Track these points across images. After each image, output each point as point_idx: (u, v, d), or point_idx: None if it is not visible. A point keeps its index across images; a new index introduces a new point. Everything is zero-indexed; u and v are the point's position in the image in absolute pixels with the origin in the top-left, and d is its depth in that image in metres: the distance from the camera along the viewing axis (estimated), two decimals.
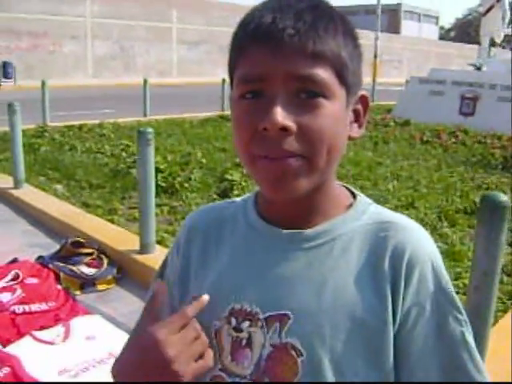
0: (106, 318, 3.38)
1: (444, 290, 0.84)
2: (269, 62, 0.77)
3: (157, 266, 3.78)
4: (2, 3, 25.16)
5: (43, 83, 11.19)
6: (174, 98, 18.98)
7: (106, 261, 4.09)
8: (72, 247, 4.13)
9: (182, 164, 6.96)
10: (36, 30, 26.52)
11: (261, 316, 0.86)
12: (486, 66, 14.01)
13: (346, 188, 0.96)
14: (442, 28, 72.14)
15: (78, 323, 3.19)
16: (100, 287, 3.91)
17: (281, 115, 0.76)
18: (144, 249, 4.16)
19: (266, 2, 0.83)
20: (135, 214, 5.17)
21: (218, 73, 28.56)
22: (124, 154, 7.64)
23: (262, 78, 0.78)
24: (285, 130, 0.76)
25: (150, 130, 4.03)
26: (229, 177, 6.16)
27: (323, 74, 0.78)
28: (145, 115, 12.94)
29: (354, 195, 0.94)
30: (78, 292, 3.80)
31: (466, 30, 67.06)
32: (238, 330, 0.87)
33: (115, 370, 0.84)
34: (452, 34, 71.88)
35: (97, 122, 11.09)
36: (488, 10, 15.50)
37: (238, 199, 1.01)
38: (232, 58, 0.85)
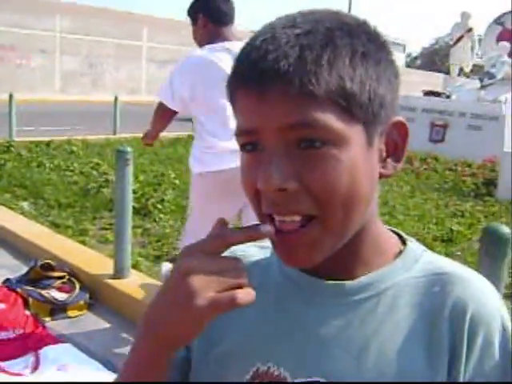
0: (78, 346, 3.19)
1: None
2: (257, 113, 0.66)
3: (132, 291, 3.61)
4: None
5: (10, 96, 10.90)
6: (144, 116, 18.62)
7: (77, 285, 3.89)
8: (41, 270, 3.92)
9: (154, 184, 6.81)
10: (2, 43, 26.10)
11: (289, 381, 0.73)
12: (455, 94, 14.23)
13: (395, 233, 0.83)
14: (408, 56, 73.64)
15: (49, 353, 3.01)
16: (71, 313, 3.70)
17: (276, 174, 0.64)
18: (118, 273, 3.98)
19: (257, 34, 0.70)
20: (107, 236, 5.00)
21: None
22: (94, 172, 7.44)
23: (252, 131, 0.67)
24: (284, 189, 0.65)
25: (129, 149, 3.88)
26: None
27: (321, 116, 0.64)
28: (114, 133, 12.71)
29: (403, 241, 0.80)
30: (47, 318, 3.59)
31: (432, 59, 68.54)
32: None
33: (140, 319, 0.69)
34: (418, 61, 73.36)
35: (65, 138, 10.83)
36: (458, 40, 15.81)
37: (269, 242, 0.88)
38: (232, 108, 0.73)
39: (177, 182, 7.19)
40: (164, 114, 3.31)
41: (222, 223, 0.69)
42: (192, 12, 3.27)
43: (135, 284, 3.90)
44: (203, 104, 3.12)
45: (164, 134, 12.75)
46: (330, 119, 0.64)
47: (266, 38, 0.66)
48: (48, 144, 10.16)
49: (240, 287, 0.64)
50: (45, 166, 8.20)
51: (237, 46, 3.00)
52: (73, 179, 7.39)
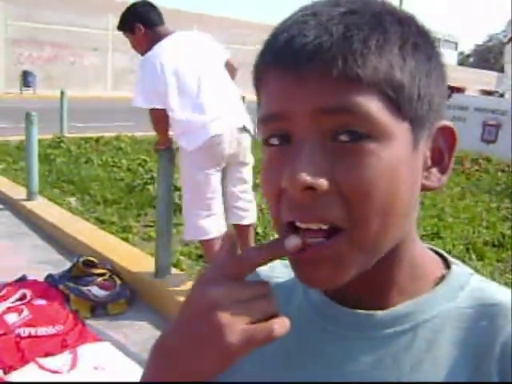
0: (116, 345, 3.18)
1: None
2: (287, 95, 0.57)
3: (173, 290, 3.58)
4: (27, 13, 25.39)
5: (62, 93, 11.11)
6: None
7: (119, 283, 3.88)
8: (84, 266, 3.94)
9: None
10: (58, 41, 26.72)
11: None
12: (508, 93, 13.81)
13: (437, 253, 0.71)
14: (461, 53, 72.04)
15: (87, 351, 3.00)
16: (112, 311, 3.69)
17: (306, 169, 0.55)
18: (159, 271, 3.95)
19: (291, 15, 0.62)
20: (150, 233, 4.99)
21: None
22: (141, 169, 7.49)
23: (283, 116, 0.58)
24: (312, 189, 0.55)
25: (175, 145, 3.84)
26: None
27: (364, 102, 0.55)
28: None
29: (447, 264, 0.69)
30: (87, 315, 3.59)
31: (485, 57, 66.87)
32: None
33: (154, 346, 0.61)
34: (471, 59, 71.69)
35: (114, 134, 10.97)
36: None
37: None
38: (255, 91, 0.65)
39: None
40: (158, 117, 3.50)
41: (231, 240, 0.61)
42: (127, 24, 3.59)
43: (176, 283, 3.87)
44: (171, 91, 3.38)
45: None
46: (374, 108, 0.56)
47: (307, 14, 0.59)
48: (97, 140, 10.32)
49: (272, 316, 0.56)
50: (93, 162, 8.32)
51: (178, 35, 3.57)
52: (119, 175, 7.46)
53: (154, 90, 3.39)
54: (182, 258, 4.46)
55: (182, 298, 3.63)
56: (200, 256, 4.60)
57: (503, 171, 9.72)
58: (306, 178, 0.54)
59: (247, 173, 3.74)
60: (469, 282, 0.66)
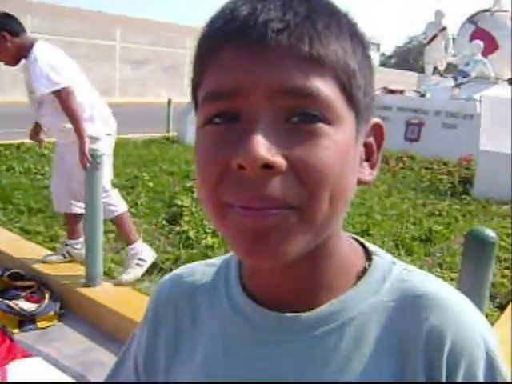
0: (48, 359, 3.05)
1: None
2: (246, 70, 0.54)
3: (104, 299, 3.46)
4: None
5: None
6: (117, 117, 18.44)
7: (47, 294, 3.73)
8: (9, 279, 3.77)
9: (128, 187, 6.65)
10: None
11: None
12: (430, 92, 14.28)
13: (357, 241, 0.70)
14: (382, 55, 74.13)
15: (16, 367, 2.86)
16: (41, 325, 3.54)
17: (263, 146, 0.52)
18: (90, 281, 3.83)
19: None
20: None
21: (161, 93, 28.24)
22: None
23: (237, 92, 0.55)
24: (269, 167, 0.53)
25: (100, 152, 3.73)
26: (178, 202, 5.90)
27: (324, 87, 0.54)
28: None
29: (367, 252, 0.68)
30: (15, 330, 3.42)
31: (405, 58, 69.04)
32: None
33: None
34: (392, 60, 73.82)
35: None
36: (432, 39, 15.86)
37: (219, 260, 0.76)
38: (196, 71, 0.61)
39: (151, 184, 7.05)
40: (73, 99, 3.72)
41: None
42: None
43: (108, 292, 3.77)
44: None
45: (138, 136, 12.60)
46: (333, 94, 0.55)
47: None
48: (18, 147, 9.93)
49: None
50: (14, 170, 7.99)
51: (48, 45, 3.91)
52: (44, 183, 7.19)
53: (62, 71, 3.75)
54: (113, 265, 4.34)
55: (114, 307, 3.53)
56: None
57: (427, 168, 10.03)
58: (266, 155, 0.52)
59: None
60: (391, 272, 0.65)
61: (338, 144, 0.56)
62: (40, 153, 9.50)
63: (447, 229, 5.87)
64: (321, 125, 0.55)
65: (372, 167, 0.64)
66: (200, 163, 0.58)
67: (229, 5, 0.58)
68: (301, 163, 0.54)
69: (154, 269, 4.25)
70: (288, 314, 0.63)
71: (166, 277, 0.79)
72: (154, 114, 16.41)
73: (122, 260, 4.53)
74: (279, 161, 0.53)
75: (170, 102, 13.64)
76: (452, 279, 4.24)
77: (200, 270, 0.75)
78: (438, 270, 4.68)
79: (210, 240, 4.76)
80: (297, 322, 0.63)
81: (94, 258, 3.84)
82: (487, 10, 14.27)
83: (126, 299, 3.69)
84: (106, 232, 5.08)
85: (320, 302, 0.63)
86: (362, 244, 0.70)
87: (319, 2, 0.58)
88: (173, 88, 31.28)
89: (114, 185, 6.44)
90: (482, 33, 14.66)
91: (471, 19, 15.18)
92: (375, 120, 0.64)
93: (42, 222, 5.57)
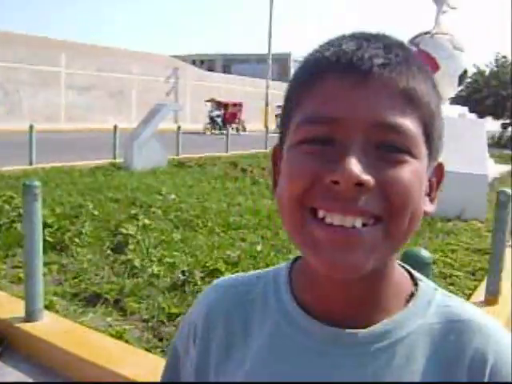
0: None
1: None
2: (348, 100, 0.61)
3: (46, 334, 3.34)
4: None
5: None
6: (62, 144, 18.23)
7: None
8: None
9: (71, 217, 6.53)
10: None
11: None
12: None
13: (402, 267, 0.75)
14: None
15: None
16: None
17: (357, 167, 0.59)
18: (30, 315, 3.71)
19: (344, 35, 0.68)
20: (20, 275, 4.69)
21: (108, 119, 27.97)
22: (7, 206, 7.05)
23: (336, 121, 0.61)
24: (360, 185, 0.60)
25: (37, 183, 3.64)
26: (123, 230, 5.81)
27: (412, 125, 0.62)
28: (31, 163, 12.21)
29: (412, 277, 0.74)
30: None
31: None
32: None
33: None
34: None
35: None
36: None
37: (266, 271, 0.80)
38: (293, 94, 0.67)
39: (96, 212, 6.92)
40: None
41: None
42: None
43: (50, 327, 3.65)
44: None
45: (84, 163, 12.42)
46: (418, 132, 0.63)
47: (366, 36, 0.65)
48: None
49: None
50: None
51: None
52: None
53: None
54: (54, 298, 4.23)
55: (57, 342, 3.43)
56: (75, 295, 4.39)
57: None
58: (359, 174, 0.59)
59: None
60: (434, 297, 0.71)
61: (419, 173, 0.63)
62: None
63: None
64: (407, 157, 0.62)
65: (431, 201, 0.71)
66: (291, 173, 0.64)
67: (336, 40, 0.66)
68: (388, 183, 0.61)
69: (98, 300, 4.16)
70: (347, 330, 0.67)
71: (213, 285, 0.83)
72: (100, 140, 16.25)
73: (65, 292, 4.42)
74: (370, 179, 0.60)
75: (115, 128, 13.54)
76: None
77: (248, 280, 0.79)
78: None
79: (155, 268, 4.68)
80: (353, 338, 0.67)
81: (34, 290, 3.72)
82: (427, 33, 14.71)
83: (69, 333, 3.58)
84: (48, 263, 4.96)
85: (373, 321, 0.68)
86: (407, 270, 0.75)
87: (411, 50, 0.66)
88: (119, 114, 31.03)
89: (56, 215, 6.34)
90: (422, 54, 15.11)
91: (413, 41, 15.64)
92: (440, 161, 0.72)
93: None
